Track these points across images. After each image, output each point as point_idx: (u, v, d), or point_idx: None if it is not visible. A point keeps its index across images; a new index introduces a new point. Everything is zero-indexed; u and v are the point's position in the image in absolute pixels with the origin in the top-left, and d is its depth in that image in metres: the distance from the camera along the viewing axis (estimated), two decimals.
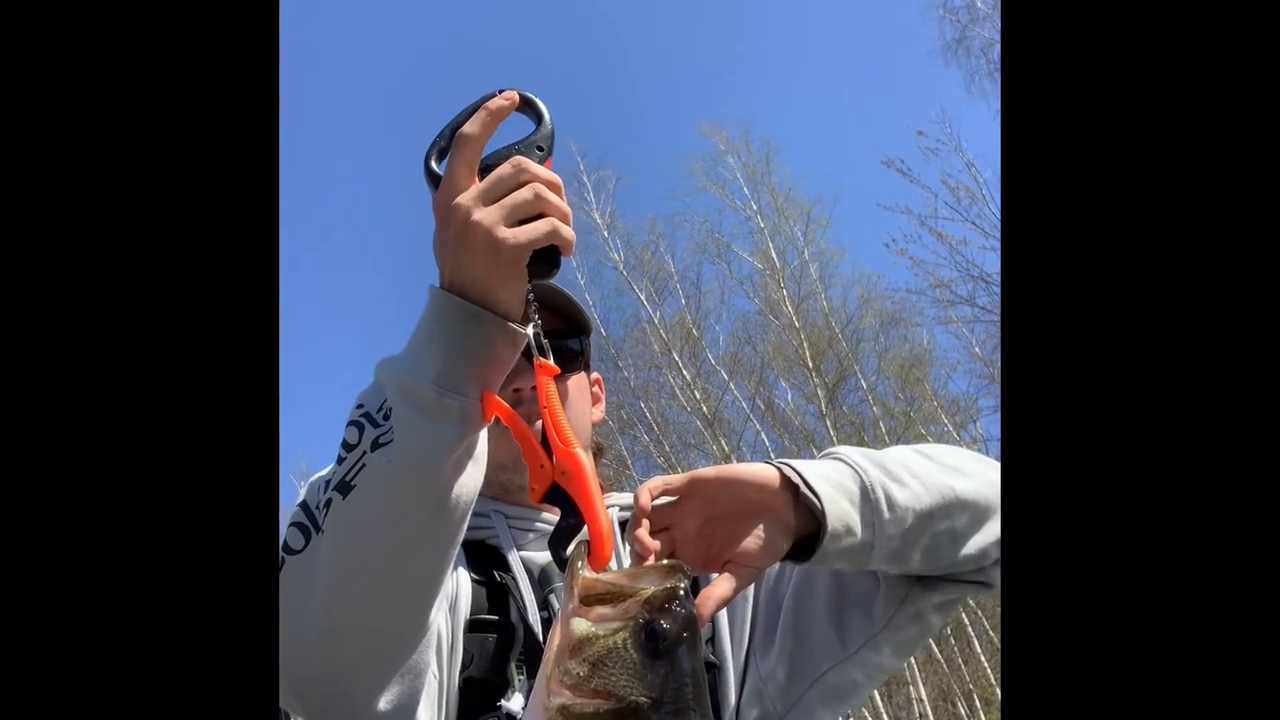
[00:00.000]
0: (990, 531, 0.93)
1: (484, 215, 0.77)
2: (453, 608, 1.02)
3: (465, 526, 0.86)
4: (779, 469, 0.85)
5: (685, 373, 14.09)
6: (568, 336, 1.18)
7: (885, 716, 12.39)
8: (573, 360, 1.17)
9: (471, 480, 0.84)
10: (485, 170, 0.81)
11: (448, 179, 0.81)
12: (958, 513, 0.90)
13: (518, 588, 1.05)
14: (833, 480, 0.85)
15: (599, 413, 1.26)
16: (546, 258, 0.81)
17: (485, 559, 1.09)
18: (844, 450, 0.92)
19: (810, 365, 13.79)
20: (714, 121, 16.01)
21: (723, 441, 13.60)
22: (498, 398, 0.83)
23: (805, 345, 13.87)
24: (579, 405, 1.17)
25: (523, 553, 1.09)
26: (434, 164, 0.84)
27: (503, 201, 0.78)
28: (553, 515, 1.10)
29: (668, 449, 14.12)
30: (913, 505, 0.87)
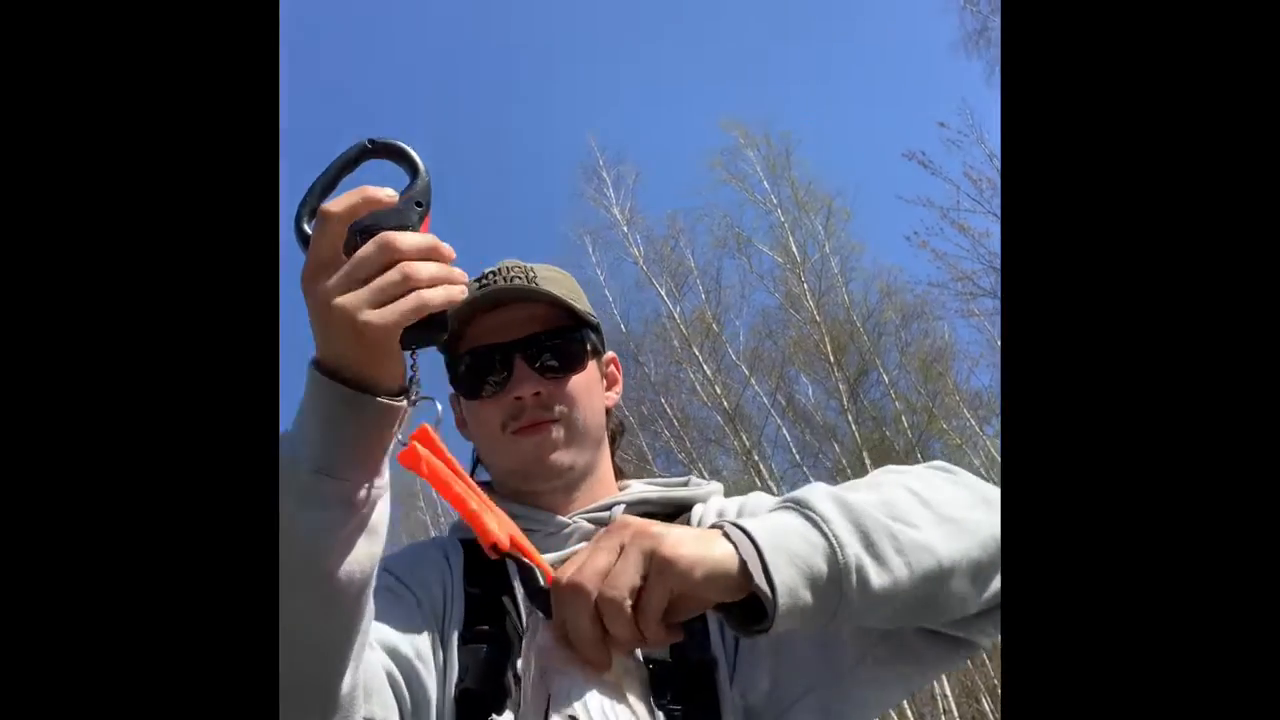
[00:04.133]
0: (985, 592, 0.83)
1: (346, 300, 0.73)
2: (446, 622, 1.01)
3: (364, 602, 0.83)
4: (740, 556, 0.73)
5: (706, 368, 14.09)
6: (562, 335, 1.14)
7: (909, 713, 12.36)
8: (574, 360, 1.13)
9: (365, 557, 0.81)
10: (359, 233, 0.76)
11: (311, 256, 0.76)
12: (946, 583, 0.79)
13: (515, 594, 1.03)
14: (800, 560, 0.74)
15: (614, 395, 1.22)
16: (431, 324, 0.76)
17: (485, 559, 1.07)
18: (830, 503, 0.79)
19: (831, 360, 13.74)
20: (733, 116, 15.94)
21: (744, 437, 13.59)
22: (421, 450, 0.79)
23: (826, 339, 13.83)
24: (586, 402, 1.13)
25: None
26: (306, 225, 0.78)
27: (368, 284, 0.73)
28: (564, 517, 1.10)
29: (689, 444, 14.13)
30: (889, 589, 0.76)
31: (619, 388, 1.24)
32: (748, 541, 0.73)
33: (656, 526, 0.73)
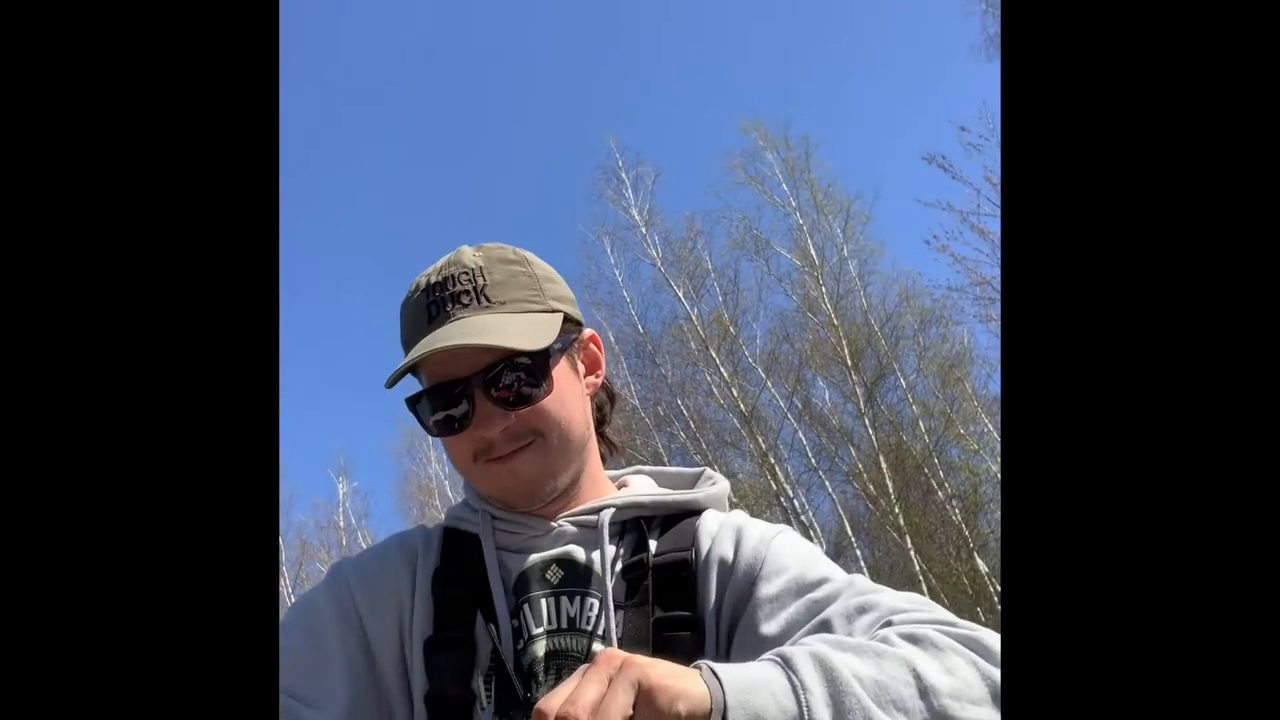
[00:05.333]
0: None
1: None
2: (411, 626, 0.99)
3: None
4: (711, 704, 0.71)
5: (723, 370, 14.06)
6: (524, 357, 1.00)
7: None
8: (540, 380, 1.02)
9: None
10: None
11: None
12: None
13: (489, 598, 1.00)
14: None
15: (596, 380, 1.13)
16: None
17: (464, 557, 1.04)
18: (816, 670, 0.75)
19: (848, 363, 13.69)
20: (753, 117, 15.94)
21: (760, 439, 13.55)
22: None
23: (844, 343, 13.78)
24: (562, 417, 1.04)
25: (502, 554, 1.04)
26: None
27: None
28: (555, 523, 1.05)
29: (705, 446, 14.10)
30: None
31: (602, 370, 1.14)
32: (720, 691, 0.71)
33: (641, 658, 0.72)
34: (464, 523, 1.08)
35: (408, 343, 1.04)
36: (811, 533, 12.72)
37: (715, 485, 1.13)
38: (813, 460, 13.84)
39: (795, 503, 13.13)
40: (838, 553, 13.17)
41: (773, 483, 13.07)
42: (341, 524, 19.90)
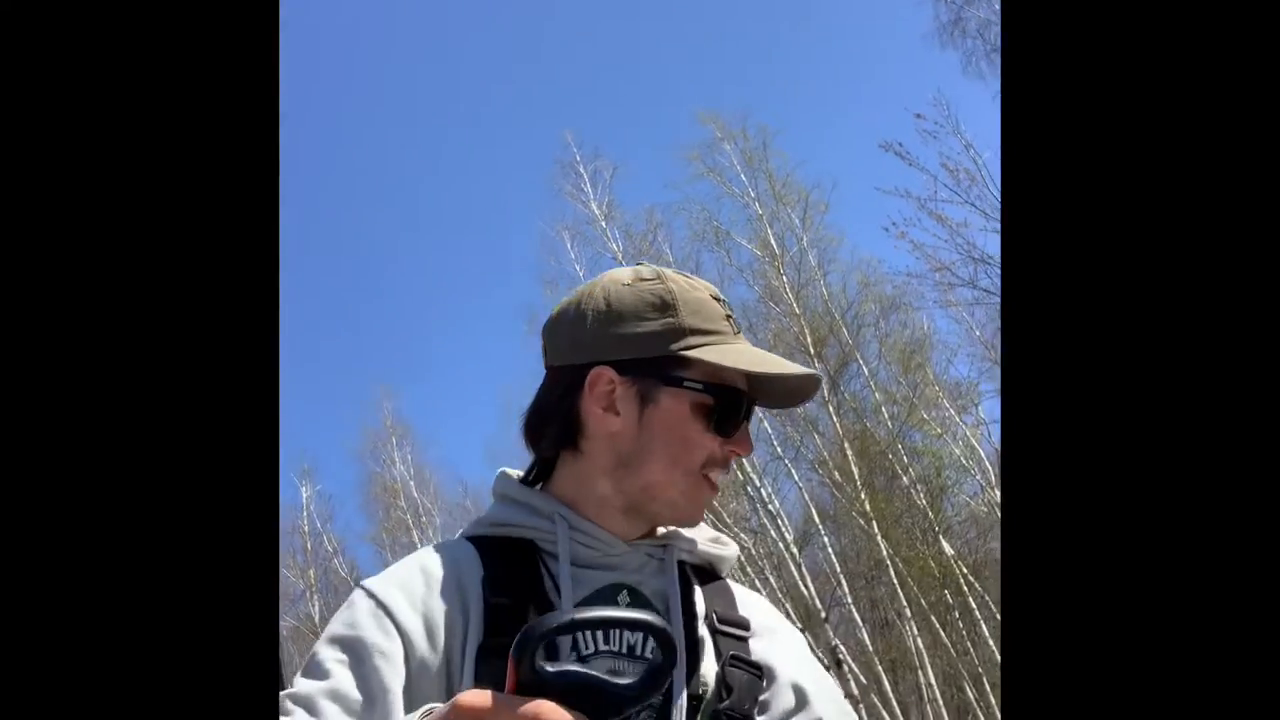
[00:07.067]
0: None
1: None
2: (466, 637, 0.97)
3: None
4: None
5: None
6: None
7: (893, 700, 12.45)
8: None
9: None
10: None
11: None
12: None
13: (546, 597, 0.99)
14: None
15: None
16: None
17: (518, 564, 1.03)
18: None
19: (811, 352, 13.79)
20: (710, 109, 15.96)
21: None
22: None
23: (806, 332, 13.88)
24: None
25: (575, 567, 1.03)
26: (539, 660, 0.58)
27: None
28: (629, 547, 1.06)
29: None
30: None
31: None
32: None
33: None
34: (517, 529, 1.07)
35: (707, 331, 1.08)
36: (779, 521, 12.81)
37: (728, 548, 1.17)
38: (778, 449, 13.94)
39: (762, 492, 13.21)
40: (805, 539, 13.28)
41: (739, 472, 13.14)
42: (306, 528, 19.72)
